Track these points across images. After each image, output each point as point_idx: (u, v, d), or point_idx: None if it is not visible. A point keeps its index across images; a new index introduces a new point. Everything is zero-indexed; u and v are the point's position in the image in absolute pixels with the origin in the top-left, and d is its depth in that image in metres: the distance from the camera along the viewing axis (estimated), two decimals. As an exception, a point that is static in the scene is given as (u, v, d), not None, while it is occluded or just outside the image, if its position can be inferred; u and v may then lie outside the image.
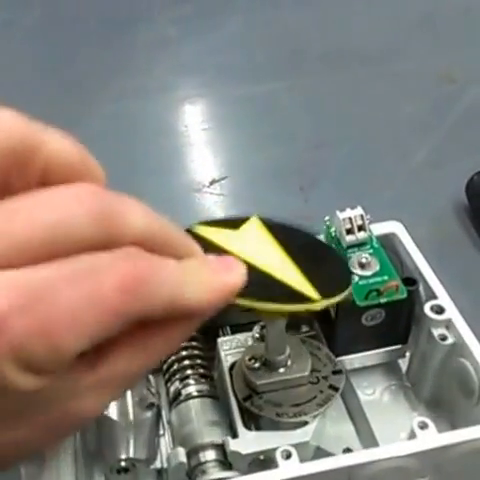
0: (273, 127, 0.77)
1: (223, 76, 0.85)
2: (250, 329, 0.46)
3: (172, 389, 0.44)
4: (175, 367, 0.45)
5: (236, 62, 0.87)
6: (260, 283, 0.32)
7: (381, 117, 0.76)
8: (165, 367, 0.46)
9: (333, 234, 0.46)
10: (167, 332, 0.26)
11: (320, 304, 0.33)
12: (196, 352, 0.46)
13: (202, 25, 0.87)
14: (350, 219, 0.45)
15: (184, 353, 0.45)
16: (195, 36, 0.91)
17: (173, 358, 0.45)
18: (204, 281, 0.26)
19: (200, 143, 0.76)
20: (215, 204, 0.67)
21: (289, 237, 0.35)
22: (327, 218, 0.46)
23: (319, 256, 0.38)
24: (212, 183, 0.69)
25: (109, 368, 0.25)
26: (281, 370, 0.41)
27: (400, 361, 0.49)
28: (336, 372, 0.43)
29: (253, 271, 0.31)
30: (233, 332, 0.48)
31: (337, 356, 0.44)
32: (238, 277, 0.27)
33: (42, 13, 0.98)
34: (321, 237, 0.46)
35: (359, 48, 0.87)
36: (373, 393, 0.48)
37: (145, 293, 0.24)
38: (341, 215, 0.45)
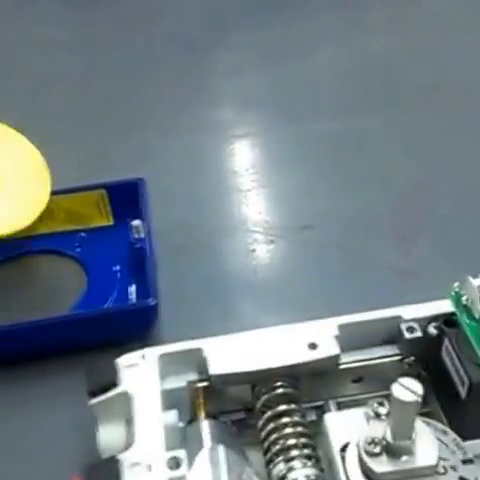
0: (365, 167, 0.77)
1: (307, 108, 0.85)
2: (357, 404, 0.45)
3: (275, 472, 0.43)
4: (278, 446, 0.44)
5: (322, 94, 0.87)
6: None
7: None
8: (266, 445, 0.45)
9: (464, 303, 0.46)
10: None
11: None
12: (300, 429, 0.45)
13: (286, 52, 0.87)
14: (485, 288, 0.45)
15: (288, 430, 0.45)
16: (276, 64, 0.92)
17: (276, 435, 0.45)
18: None
19: (274, 186, 0.76)
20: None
21: None
22: (456, 284, 0.46)
23: None
24: (298, 231, 0.69)
25: None
26: (404, 458, 0.40)
27: None
28: (466, 461, 0.42)
29: None
30: (339, 407, 0.47)
31: (464, 439, 0.43)
32: None
33: (107, 34, 1.00)
34: (448, 304, 0.46)
35: (462, 81, 0.86)
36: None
37: None
38: (475, 282, 0.45)
